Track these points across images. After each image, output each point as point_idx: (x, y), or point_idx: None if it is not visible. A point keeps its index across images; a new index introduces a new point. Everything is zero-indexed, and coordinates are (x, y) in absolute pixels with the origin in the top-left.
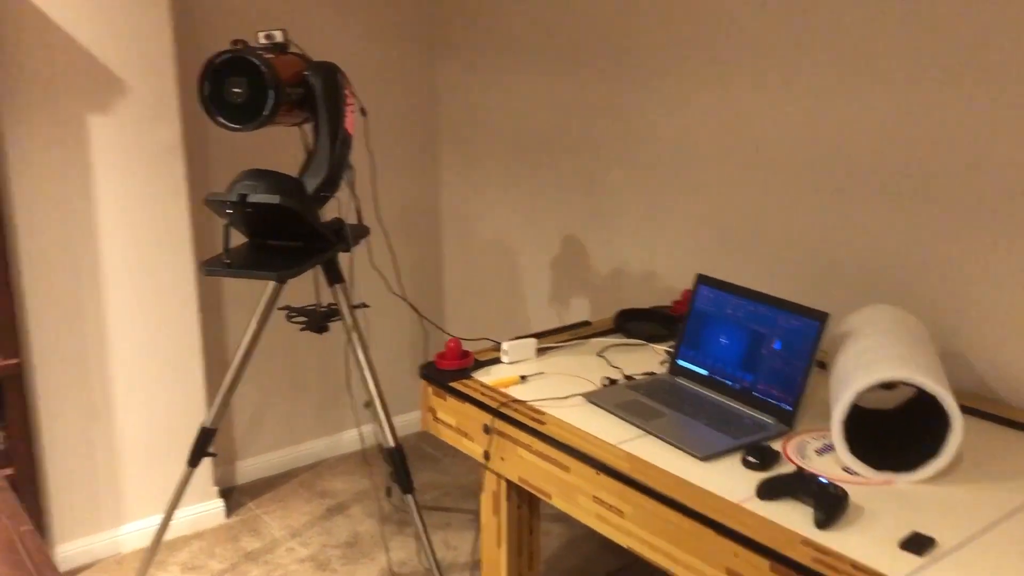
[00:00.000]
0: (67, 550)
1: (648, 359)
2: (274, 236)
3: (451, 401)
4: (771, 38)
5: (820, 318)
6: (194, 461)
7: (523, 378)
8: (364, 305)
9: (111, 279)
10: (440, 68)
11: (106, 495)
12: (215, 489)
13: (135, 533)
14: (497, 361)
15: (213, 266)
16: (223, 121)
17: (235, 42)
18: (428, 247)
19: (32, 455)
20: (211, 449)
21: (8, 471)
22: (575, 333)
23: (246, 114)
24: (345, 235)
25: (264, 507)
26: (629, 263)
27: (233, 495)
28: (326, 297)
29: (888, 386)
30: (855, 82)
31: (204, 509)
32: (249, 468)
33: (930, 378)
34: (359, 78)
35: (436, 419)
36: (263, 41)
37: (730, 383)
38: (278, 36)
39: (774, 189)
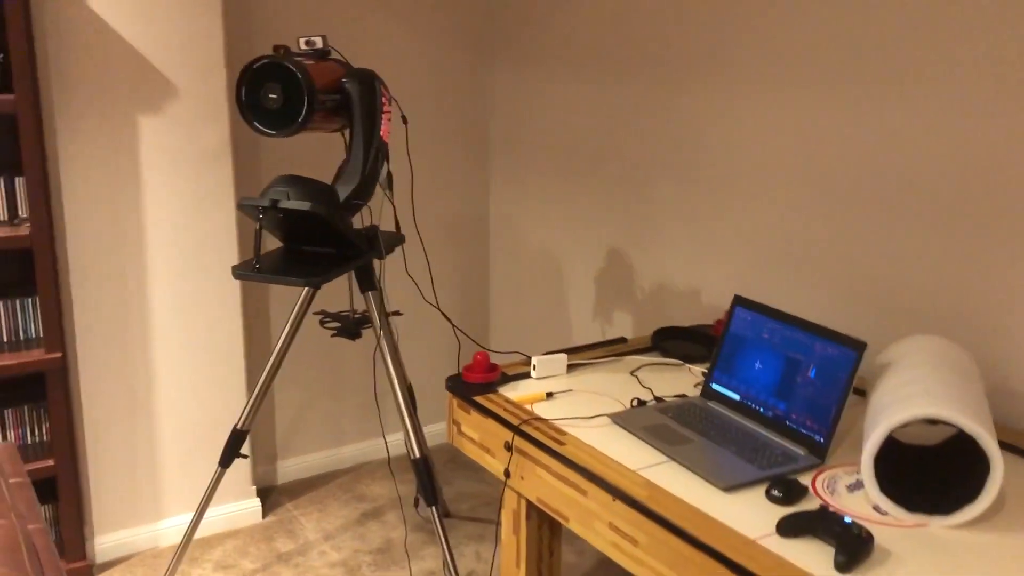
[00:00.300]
0: (105, 542)
1: (683, 380)
2: (308, 242)
3: (475, 415)
4: (821, 50)
5: (858, 347)
6: (225, 462)
7: (550, 395)
8: (397, 313)
9: (156, 278)
10: (492, 75)
11: (146, 490)
12: (253, 489)
13: (174, 528)
14: (526, 376)
15: (243, 270)
16: (259, 126)
17: (276, 48)
18: (475, 255)
19: (73, 448)
20: (243, 451)
21: (49, 462)
22: (610, 350)
23: (282, 120)
24: (377, 243)
25: (301, 508)
26: (673, 279)
27: (272, 495)
28: (361, 304)
29: (932, 420)
30: (911, 97)
31: (241, 508)
32: (290, 468)
33: (969, 416)
34: (412, 84)
35: (460, 432)
36: (303, 47)
37: (762, 410)
38: (318, 42)
39: (821, 207)
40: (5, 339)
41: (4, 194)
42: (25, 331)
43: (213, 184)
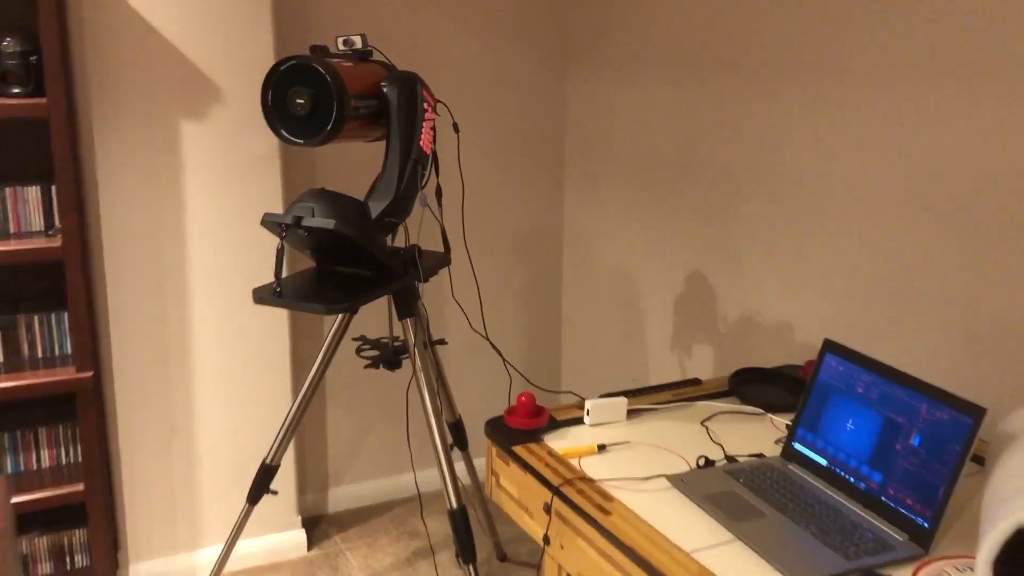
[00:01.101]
0: (140, 570)
1: (762, 434)
2: (341, 262)
3: (513, 468)
4: (941, 46)
5: (974, 413)
6: (253, 498)
7: (602, 447)
8: (442, 342)
9: (198, 293)
10: (567, 78)
11: (184, 517)
12: (298, 519)
13: (212, 558)
14: (579, 421)
15: (263, 294)
16: (285, 134)
17: (313, 48)
18: (546, 273)
19: (106, 471)
20: (273, 487)
21: (79, 486)
22: (679, 393)
23: (311, 128)
24: (415, 265)
25: (349, 542)
26: (759, 310)
27: (320, 525)
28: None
29: None
30: None
31: (284, 540)
32: (342, 497)
33: None
34: (480, 88)
35: (499, 485)
36: (341, 47)
37: (853, 480)
38: (357, 42)
39: (934, 234)
40: (40, 355)
41: (41, 203)
42: (60, 347)
43: (260, 193)
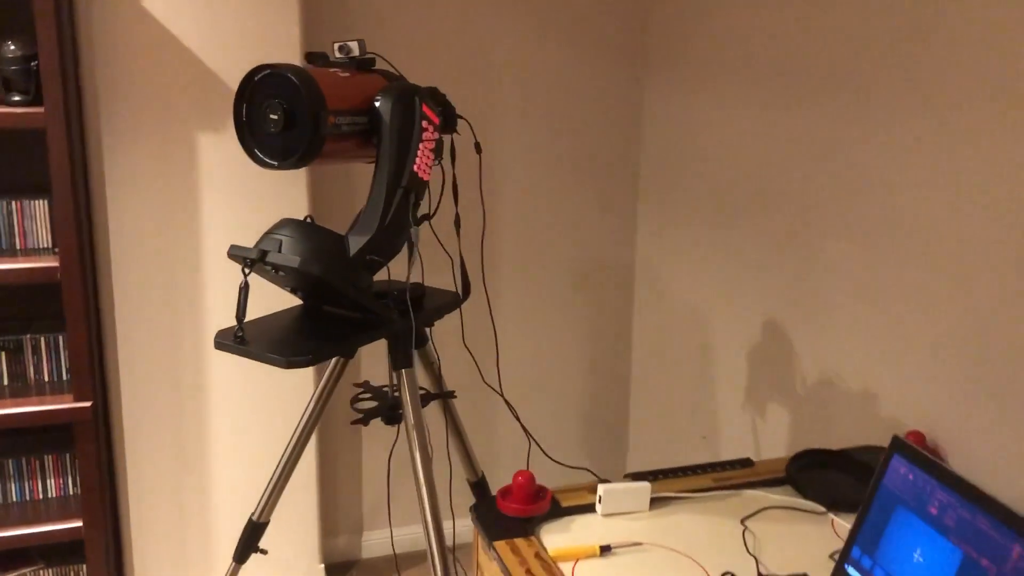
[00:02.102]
0: None
1: (815, 542)
2: (328, 301)
3: (495, 568)
4: None
5: None
6: (240, 557)
7: (606, 549)
8: (451, 395)
9: (214, 315)
10: (649, 88)
11: (196, 558)
12: (320, 568)
13: None
14: (590, 509)
15: (223, 339)
16: (259, 155)
17: (310, 56)
18: (614, 310)
19: (110, 505)
20: (261, 546)
21: (77, 523)
22: (724, 477)
23: (288, 147)
24: (408, 308)
25: None
26: (843, 374)
27: (352, 572)
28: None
29: None
30: None
31: None
32: (375, 543)
33: None
34: (543, 101)
35: None
36: (338, 55)
37: None
38: (354, 48)
39: None
40: (45, 379)
41: (48, 218)
42: (68, 372)
43: (283, 208)
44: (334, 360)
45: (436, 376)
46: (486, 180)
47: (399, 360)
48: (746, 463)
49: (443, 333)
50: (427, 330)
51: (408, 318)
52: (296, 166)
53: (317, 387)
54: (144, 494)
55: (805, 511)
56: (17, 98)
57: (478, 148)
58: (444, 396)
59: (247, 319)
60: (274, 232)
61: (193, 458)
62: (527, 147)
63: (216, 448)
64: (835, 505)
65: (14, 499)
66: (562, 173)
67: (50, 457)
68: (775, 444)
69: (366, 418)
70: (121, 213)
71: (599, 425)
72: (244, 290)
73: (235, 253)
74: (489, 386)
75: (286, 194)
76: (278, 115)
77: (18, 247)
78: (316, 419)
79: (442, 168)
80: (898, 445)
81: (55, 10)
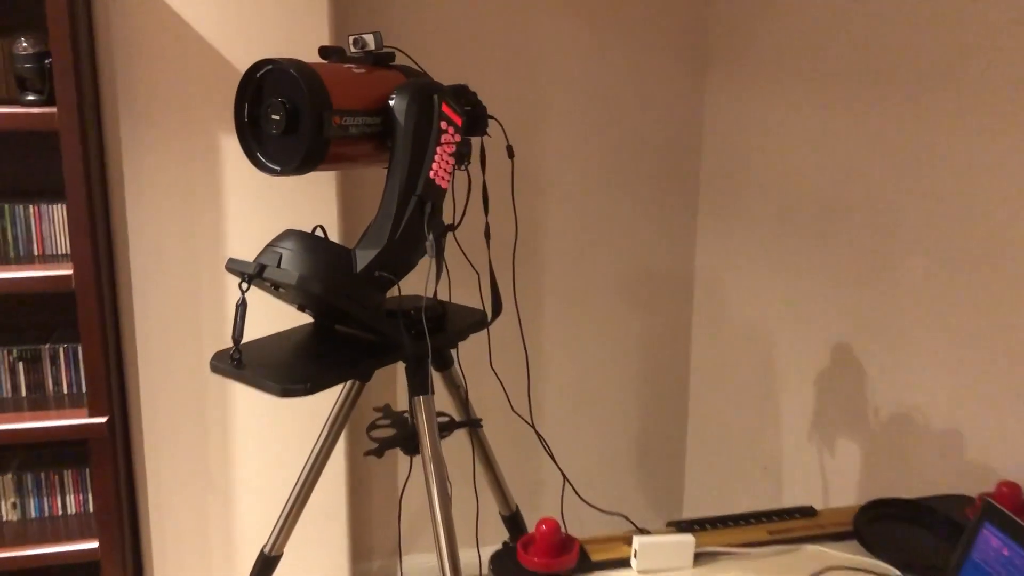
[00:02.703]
0: None
1: None
2: (341, 320)
3: None
4: None
5: None
6: None
7: None
8: (476, 424)
9: None
10: (710, 86)
11: None
12: None
13: None
14: (624, 564)
15: (219, 361)
16: (261, 159)
17: (324, 50)
18: (670, 326)
19: (124, 528)
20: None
21: (93, 543)
22: (781, 529)
23: (291, 150)
24: (424, 329)
25: None
26: (923, 410)
27: None
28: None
29: None
30: None
31: None
32: (415, 566)
33: None
34: (596, 101)
35: None
36: (353, 50)
37: None
38: (369, 42)
39: None
40: (64, 391)
41: (67, 222)
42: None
43: (313, 213)
44: (349, 384)
45: (463, 401)
46: (528, 186)
47: (415, 386)
48: (808, 512)
49: (472, 353)
50: (453, 351)
51: (425, 340)
52: (299, 172)
53: (331, 411)
54: (165, 514)
55: (875, 574)
56: (31, 97)
57: (510, 152)
58: (469, 425)
59: (249, 338)
60: (275, 245)
61: (217, 477)
62: (576, 150)
63: (242, 467)
64: (910, 568)
65: (33, 515)
66: (614, 177)
67: (70, 472)
68: (843, 487)
69: (380, 449)
70: (141, 219)
71: (652, 455)
72: (241, 308)
73: (232, 267)
74: (518, 414)
75: (316, 198)
76: (280, 115)
77: (36, 253)
78: (330, 447)
79: (468, 174)
80: (990, 512)
81: (68, 3)
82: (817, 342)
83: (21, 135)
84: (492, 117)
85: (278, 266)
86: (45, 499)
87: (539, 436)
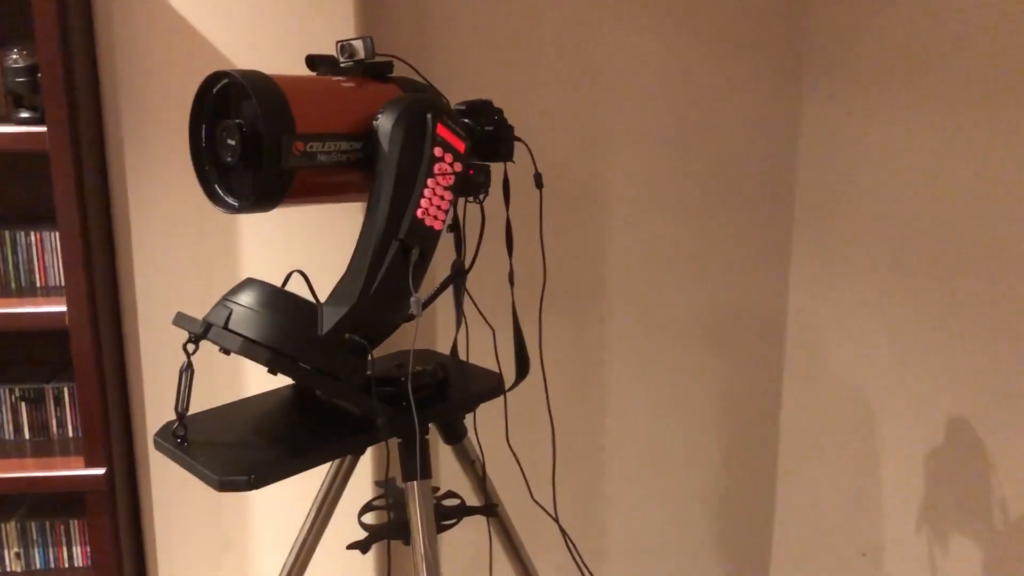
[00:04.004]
0: None
1: None
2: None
3: None
4: None
5: None
6: None
7: None
8: (490, 511)
9: (253, 366)
10: (807, 101)
11: None
12: None
13: None
14: None
15: (162, 438)
16: (220, 192)
17: (311, 60)
18: (759, 377)
19: None
20: None
21: None
22: None
23: (251, 182)
24: (409, 403)
25: None
26: None
27: None
28: (449, 476)
29: None
30: None
31: None
32: None
33: None
34: (678, 113)
35: None
36: (342, 59)
37: None
38: (358, 49)
39: None
40: (70, 435)
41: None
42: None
43: (337, 240)
44: (342, 460)
45: (479, 479)
46: (589, 215)
47: (407, 469)
48: None
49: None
50: (470, 419)
51: (421, 413)
52: (258, 208)
53: (319, 491)
54: (175, 573)
55: None
56: (25, 115)
57: (538, 181)
58: (481, 512)
59: (223, 402)
60: (229, 298)
61: (233, 532)
62: (647, 173)
63: (260, 524)
64: None
65: (38, 566)
66: (692, 205)
67: (75, 522)
68: None
69: (367, 542)
70: (147, 248)
71: (733, 529)
72: (185, 373)
73: (180, 324)
74: (539, 504)
75: (341, 225)
76: (235, 140)
77: (38, 284)
78: (318, 534)
79: (482, 208)
80: None
81: (58, 10)
82: (930, 410)
83: (26, 155)
84: (519, 139)
85: (225, 326)
86: (50, 549)
87: (562, 531)
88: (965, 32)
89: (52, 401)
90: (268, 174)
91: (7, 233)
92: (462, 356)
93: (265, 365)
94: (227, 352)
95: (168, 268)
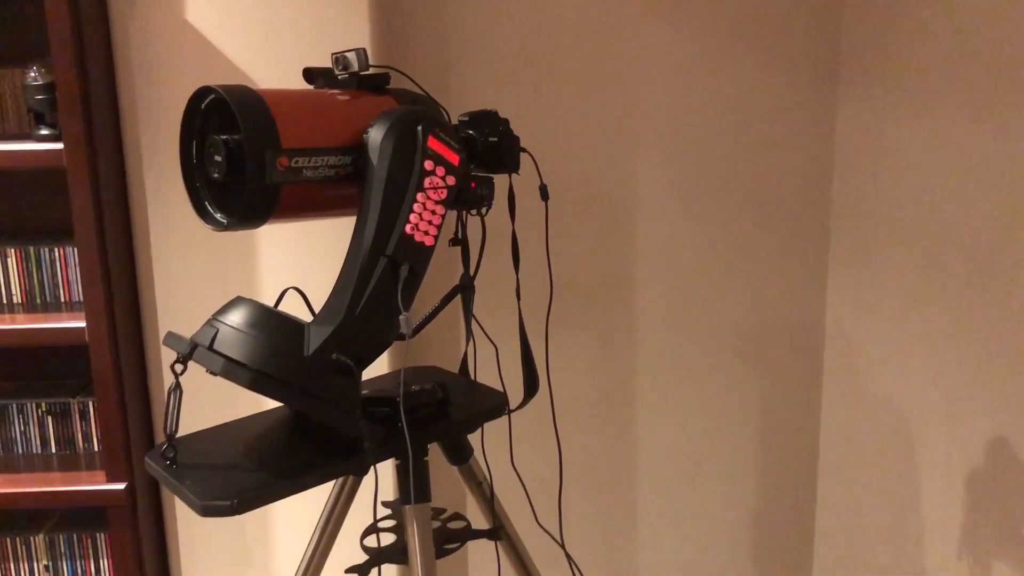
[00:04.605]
0: None
1: None
2: None
3: None
4: None
5: None
6: None
7: None
8: (495, 534)
9: None
10: (843, 103)
11: None
12: None
13: None
14: None
15: (152, 459)
16: (210, 209)
17: (308, 73)
18: (797, 393)
19: None
20: None
21: None
22: None
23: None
24: (401, 430)
25: None
26: None
27: None
28: (460, 496)
29: None
30: None
31: None
32: None
33: None
34: (708, 115)
35: None
36: (338, 71)
37: None
38: (351, 61)
39: None
40: (93, 448)
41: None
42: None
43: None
44: (344, 481)
45: (486, 500)
46: (617, 225)
47: (405, 492)
48: None
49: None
50: (477, 439)
51: (416, 434)
52: (245, 226)
53: (322, 512)
54: None
55: None
56: (45, 132)
57: (544, 193)
58: (486, 535)
59: (199, 413)
60: (217, 317)
61: (255, 547)
62: (676, 181)
63: (284, 543)
64: None
65: None
66: (724, 213)
67: (102, 536)
68: None
69: (364, 567)
70: (166, 263)
71: (770, 552)
72: (173, 394)
73: (169, 344)
74: (544, 528)
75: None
76: (222, 156)
77: (62, 299)
78: (322, 557)
79: (483, 220)
80: None
81: (73, 27)
82: (974, 432)
83: (50, 172)
84: (524, 150)
85: (210, 347)
86: (78, 562)
87: (568, 557)
88: (1007, 31)
89: (77, 415)
90: (252, 190)
91: (32, 249)
92: (476, 374)
93: (246, 387)
94: (214, 373)
95: (187, 282)
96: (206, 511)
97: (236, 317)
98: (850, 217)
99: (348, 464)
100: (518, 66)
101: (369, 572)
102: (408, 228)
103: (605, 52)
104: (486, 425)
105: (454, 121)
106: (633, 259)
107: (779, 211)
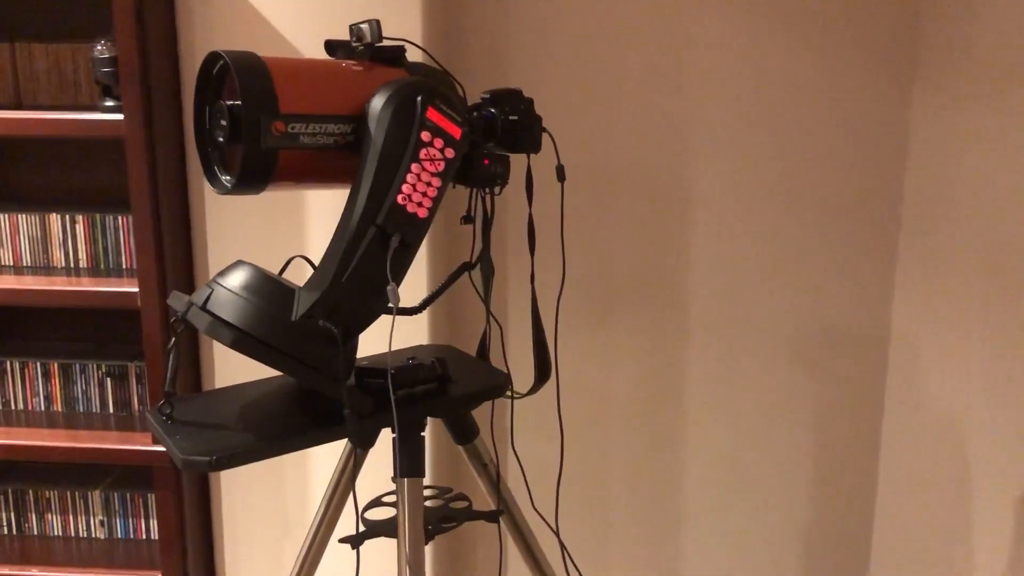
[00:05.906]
0: None
1: None
2: None
3: None
4: None
5: None
6: None
7: None
8: (492, 517)
9: None
10: (918, 100)
11: None
12: None
13: None
14: None
15: (151, 414)
16: (219, 174)
17: (329, 44)
18: (858, 401)
19: (188, 563)
20: None
21: (155, 574)
22: None
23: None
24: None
25: None
26: None
27: None
28: (459, 480)
29: None
30: None
31: None
32: None
33: None
34: (770, 113)
35: None
36: (354, 43)
37: None
38: (366, 32)
39: None
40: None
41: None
42: None
43: None
44: (347, 449)
45: (492, 482)
46: (670, 218)
47: (400, 464)
48: None
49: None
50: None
51: (409, 408)
52: (244, 190)
53: (329, 483)
54: (240, 556)
55: None
56: (110, 103)
57: (560, 174)
58: (485, 517)
59: (242, 379)
60: (216, 279)
61: (294, 518)
62: (735, 177)
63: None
64: None
65: (119, 535)
66: (786, 211)
67: (153, 496)
68: None
69: (359, 537)
70: (222, 235)
71: (825, 567)
72: (174, 351)
73: (170, 302)
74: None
75: None
76: (226, 120)
77: (124, 266)
78: (329, 526)
79: (492, 199)
80: None
81: (135, 5)
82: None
83: (115, 142)
84: (545, 130)
85: (203, 306)
86: (130, 520)
87: (562, 545)
88: None
89: (135, 379)
90: (248, 154)
91: (98, 216)
92: (506, 360)
93: (228, 346)
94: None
95: (240, 254)
96: (185, 465)
97: (233, 280)
98: (921, 220)
99: (331, 432)
100: (578, 51)
101: (361, 543)
102: (400, 198)
103: (666, 39)
104: (505, 409)
105: (477, 99)
106: (687, 256)
107: (845, 210)
